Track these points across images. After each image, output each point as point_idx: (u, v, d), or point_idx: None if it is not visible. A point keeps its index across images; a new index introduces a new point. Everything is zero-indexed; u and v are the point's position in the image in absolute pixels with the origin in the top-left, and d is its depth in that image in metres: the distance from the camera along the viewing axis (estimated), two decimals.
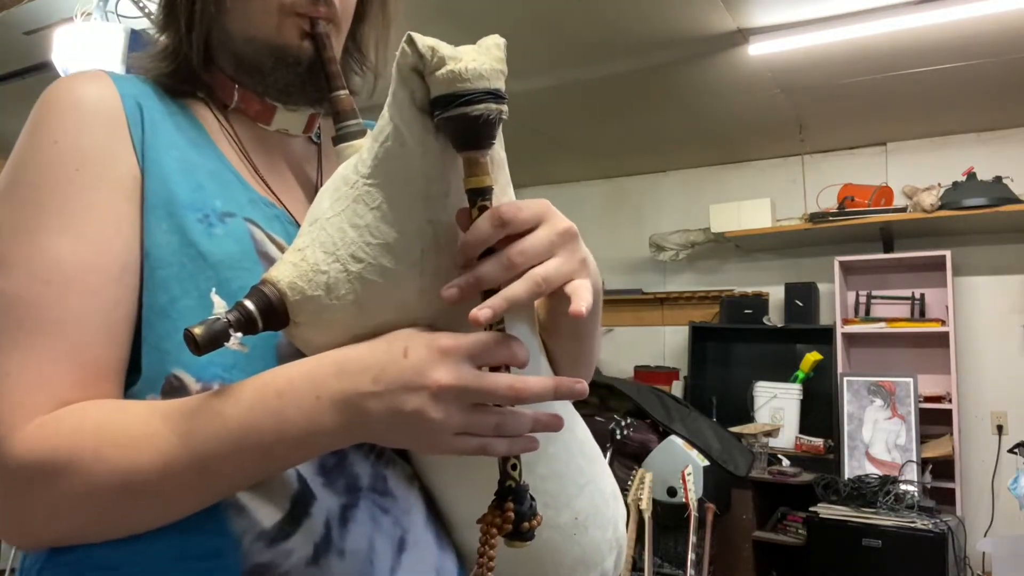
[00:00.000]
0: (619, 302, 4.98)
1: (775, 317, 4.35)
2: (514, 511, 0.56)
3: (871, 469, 3.63)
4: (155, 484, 0.55)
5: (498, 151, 0.59)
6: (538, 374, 0.61)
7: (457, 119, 0.52)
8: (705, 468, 3.28)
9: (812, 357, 4.08)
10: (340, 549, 0.61)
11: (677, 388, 4.51)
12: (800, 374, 4.12)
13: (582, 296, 0.54)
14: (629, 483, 3.01)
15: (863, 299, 4.17)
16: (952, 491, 3.66)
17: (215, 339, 0.52)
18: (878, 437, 3.68)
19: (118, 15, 2.45)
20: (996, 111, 3.83)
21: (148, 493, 0.56)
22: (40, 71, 3.20)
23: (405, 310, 0.57)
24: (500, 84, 0.53)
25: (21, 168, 0.62)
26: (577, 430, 0.71)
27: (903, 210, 3.91)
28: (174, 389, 0.60)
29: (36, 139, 0.62)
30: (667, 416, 3.61)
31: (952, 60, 3.23)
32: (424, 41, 0.52)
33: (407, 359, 0.54)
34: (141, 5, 2.49)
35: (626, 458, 3.55)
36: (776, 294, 4.40)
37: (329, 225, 0.57)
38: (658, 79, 3.51)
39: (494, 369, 0.55)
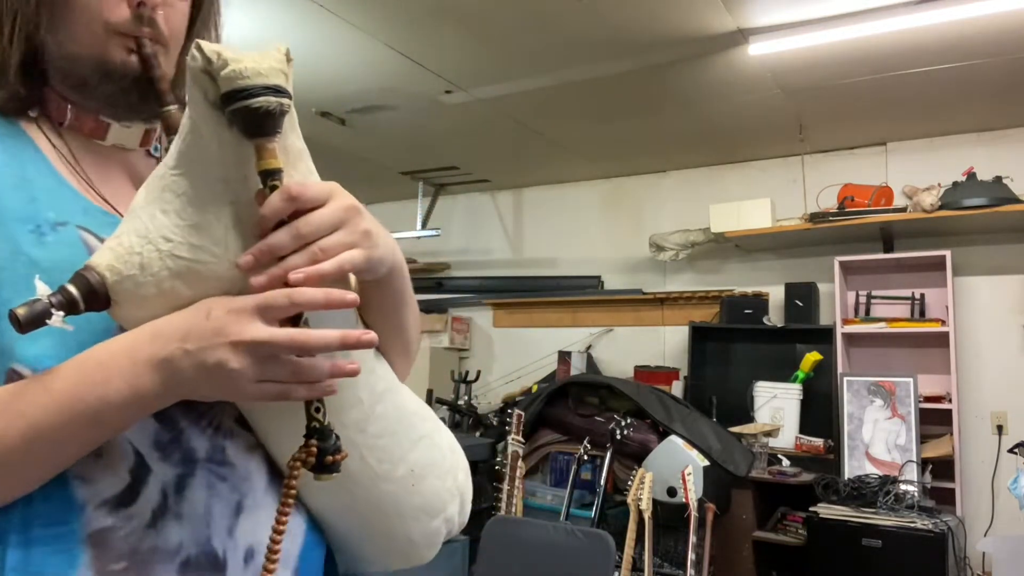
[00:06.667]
0: (619, 302, 4.98)
1: (775, 317, 4.35)
2: (317, 447, 0.63)
3: (871, 469, 3.63)
4: None
5: (294, 142, 0.66)
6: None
7: (242, 111, 0.60)
8: (705, 468, 3.28)
9: (812, 357, 4.09)
10: (177, 513, 0.68)
11: (677, 388, 4.50)
12: (800, 374, 4.12)
13: (342, 259, 0.63)
14: (629, 483, 3.01)
15: (863, 299, 4.17)
16: (952, 491, 3.66)
17: (36, 318, 0.59)
18: (878, 437, 3.68)
19: None
20: (996, 111, 3.83)
21: None
22: None
23: (218, 281, 0.64)
24: (280, 81, 0.61)
25: None
26: (405, 392, 0.81)
27: (903, 210, 3.91)
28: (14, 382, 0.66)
29: None
30: (667, 416, 3.61)
31: (952, 60, 3.23)
32: (210, 46, 0.60)
33: (208, 321, 0.61)
34: None
35: (626, 458, 3.56)
36: (776, 294, 4.40)
37: (143, 213, 0.64)
38: (658, 79, 3.51)
39: (294, 324, 0.62)
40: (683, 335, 4.58)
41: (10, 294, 0.66)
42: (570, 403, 3.95)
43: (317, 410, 0.64)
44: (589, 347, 5.01)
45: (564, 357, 4.93)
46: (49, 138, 0.77)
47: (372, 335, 0.64)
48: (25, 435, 0.61)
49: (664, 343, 4.86)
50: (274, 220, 0.62)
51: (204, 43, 0.60)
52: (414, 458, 0.78)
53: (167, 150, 0.74)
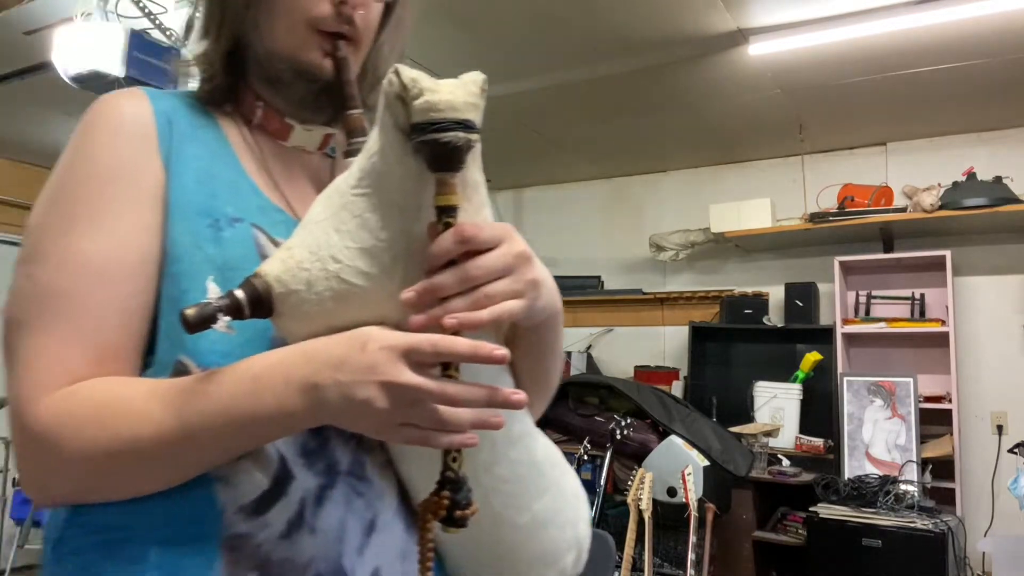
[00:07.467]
0: (619, 302, 4.98)
1: (775, 317, 4.35)
2: (449, 499, 0.61)
3: (871, 469, 3.63)
4: (149, 451, 0.63)
5: (473, 174, 0.65)
6: (498, 382, 0.67)
7: (430, 144, 0.59)
8: (705, 468, 3.28)
9: (812, 357, 4.08)
10: (312, 527, 0.68)
11: (677, 388, 4.50)
12: (800, 374, 4.12)
13: (501, 309, 0.61)
14: (629, 483, 3.01)
15: (863, 299, 4.17)
16: (952, 491, 3.65)
17: (204, 320, 0.60)
18: (878, 437, 3.68)
19: (118, 15, 2.45)
20: (996, 111, 3.83)
21: (143, 458, 0.64)
22: (40, 71, 3.20)
23: (377, 309, 0.63)
24: (472, 116, 0.60)
25: (64, 177, 0.72)
26: (540, 437, 0.78)
27: (903, 210, 3.91)
28: (180, 373, 0.68)
29: (78, 153, 0.73)
30: (667, 416, 3.61)
31: (952, 60, 3.23)
32: (408, 73, 0.59)
33: (363, 354, 0.60)
34: (141, 5, 2.49)
35: (626, 458, 3.55)
36: (776, 294, 4.40)
37: (317, 228, 0.65)
38: (658, 79, 3.51)
39: (445, 366, 0.61)
40: (683, 335, 4.58)
41: (188, 285, 0.69)
42: (570, 403, 3.95)
43: (454, 459, 0.62)
44: (589, 347, 5.00)
45: (564, 357, 4.93)
46: (242, 133, 0.80)
47: (521, 396, 0.62)
48: (177, 434, 0.63)
49: (664, 343, 4.86)
50: (443, 260, 0.61)
51: (403, 68, 0.59)
52: (539, 507, 0.76)
53: (345, 154, 0.77)
